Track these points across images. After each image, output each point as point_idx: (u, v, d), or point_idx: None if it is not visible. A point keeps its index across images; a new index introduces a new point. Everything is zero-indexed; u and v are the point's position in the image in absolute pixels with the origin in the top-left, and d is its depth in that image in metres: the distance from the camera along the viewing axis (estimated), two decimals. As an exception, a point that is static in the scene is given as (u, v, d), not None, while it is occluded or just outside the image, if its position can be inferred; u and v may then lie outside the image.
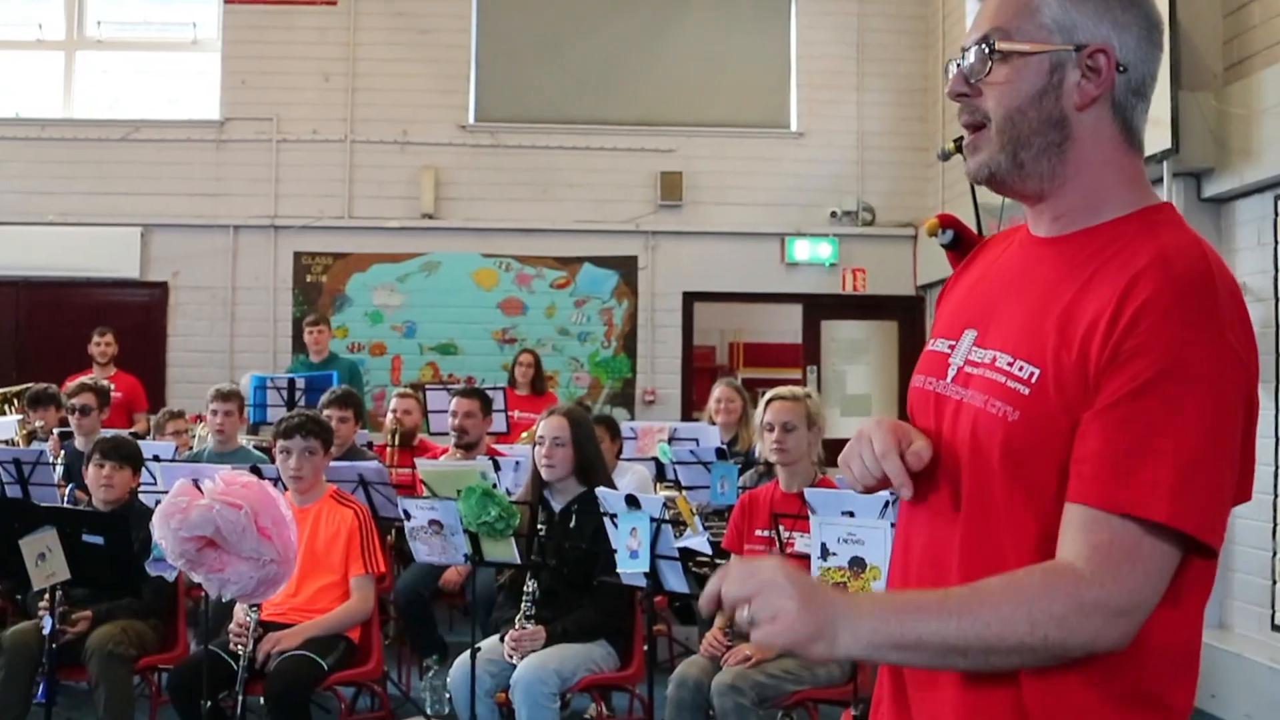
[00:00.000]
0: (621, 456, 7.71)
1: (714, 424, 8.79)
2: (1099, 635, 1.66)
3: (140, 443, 7.72)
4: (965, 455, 1.84)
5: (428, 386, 10.52)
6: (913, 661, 1.75)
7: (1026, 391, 1.77)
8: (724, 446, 7.79)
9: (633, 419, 12.44)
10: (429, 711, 6.76)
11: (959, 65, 1.90)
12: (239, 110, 12.98)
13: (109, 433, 7.55)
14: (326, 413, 7.55)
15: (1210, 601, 5.97)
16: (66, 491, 7.33)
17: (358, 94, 13.01)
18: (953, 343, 1.95)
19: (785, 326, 14.54)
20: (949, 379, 1.92)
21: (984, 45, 1.85)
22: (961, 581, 1.78)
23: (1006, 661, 1.69)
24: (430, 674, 7.08)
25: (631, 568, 4.66)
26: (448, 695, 5.82)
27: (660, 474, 7.87)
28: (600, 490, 5.03)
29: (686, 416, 12.58)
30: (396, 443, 8.82)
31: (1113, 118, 1.85)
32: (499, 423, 9.37)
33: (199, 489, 4.52)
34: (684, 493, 7.29)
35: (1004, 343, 1.84)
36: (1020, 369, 1.79)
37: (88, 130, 12.90)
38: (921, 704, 1.87)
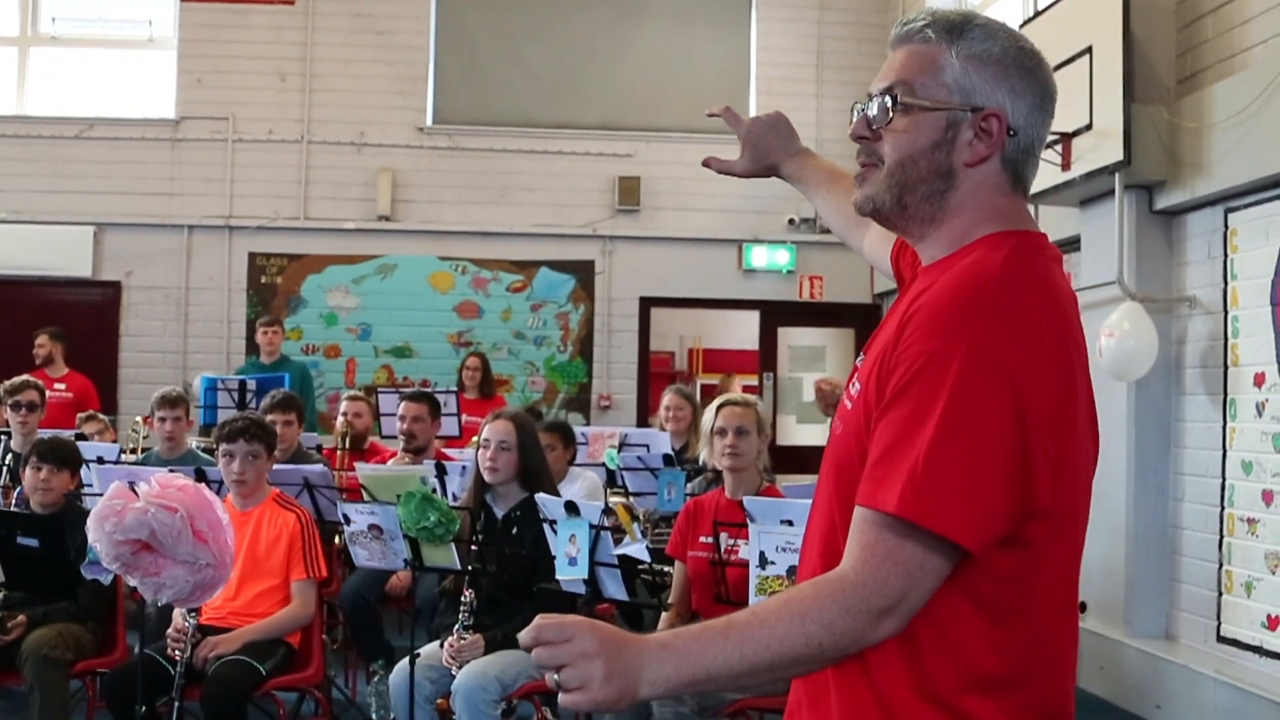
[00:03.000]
0: (574, 463, 7.67)
1: (664, 430, 8.76)
2: (865, 633, 1.78)
3: (84, 444, 7.66)
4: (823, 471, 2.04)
5: (380, 390, 10.46)
6: (713, 690, 1.88)
7: (850, 406, 1.95)
8: (673, 453, 7.76)
9: (588, 424, 12.43)
10: (374, 717, 6.71)
11: (863, 110, 2.03)
12: (194, 109, 12.89)
13: (47, 433, 7.44)
14: (270, 417, 7.47)
15: (1156, 613, 5.99)
16: (15, 495, 7.23)
17: (314, 94, 12.94)
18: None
19: (744, 333, 14.56)
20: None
21: (887, 96, 1.98)
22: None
23: (794, 673, 1.86)
24: (376, 679, 7.03)
25: (570, 574, 4.63)
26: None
27: (611, 480, 7.83)
28: (540, 496, 5.00)
29: (642, 422, 12.57)
30: (347, 446, 8.77)
31: (1001, 169, 1.98)
32: (450, 426, 9.34)
33: (134, 492, 4.47)
34: (631, 498, 7.28)
35: (860, 368, 1.99)
36: (853, 388, 1.96)
37: (41, 127, 12.78)
38: (815, 707, 1.96)
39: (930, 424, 1.75)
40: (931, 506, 1.73)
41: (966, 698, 1.80)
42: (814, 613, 1.76)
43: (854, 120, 2.05)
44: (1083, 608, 7.85)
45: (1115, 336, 7.29)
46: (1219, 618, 7.12)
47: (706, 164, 2.77)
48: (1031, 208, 8.35)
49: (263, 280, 12.97)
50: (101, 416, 9.33)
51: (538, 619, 1.77)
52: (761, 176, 2.74)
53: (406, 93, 13.07)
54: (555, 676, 1.75)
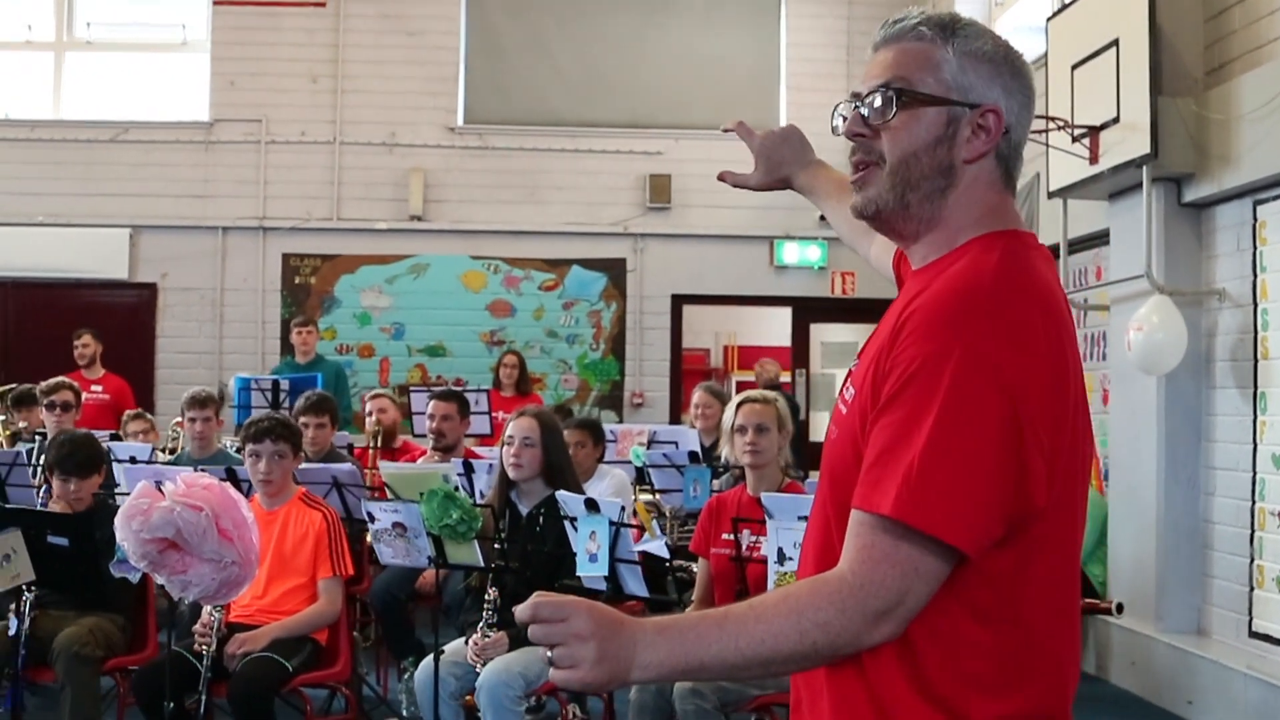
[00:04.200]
0: (603, 460, 7.70)
1: (694, 428, 8.79)
2: (861, 635, 1.79)
3: (118, 444, 7.74)
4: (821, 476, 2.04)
5: (412, 388, 10.51)
6: (703, 679, 1.89)
7: (844, 411, 1.95)
8: (699, 450, 7.78)
9: (621, 421, 12.44)
10: (404, 713, 6.75)
11: (858, 107, 2.02)
12: (227, 112, 12.99)
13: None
14: (303, 419, 7.53)
15: (1187, 608, 5.97)
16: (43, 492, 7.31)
17: (346, 95, 13.03)
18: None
19: (779, 330, 14.55)
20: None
21: (888, 91, 1.97)
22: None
23: (787, 669, 1.85)
24: (406, 676, 7.07)
25: (591, 571, 4.65)
26: (421, 698, 5.82)
27: (641, 478, 7.86)
28: (561, 493, 5.02)
29: (675, 419, 12.58)
30: (378, 444, 8.82)
31: (995, 166, 2.00)
32: (482, 425, 9.38)
33: (160, 491, 4.52)
34: (658, 495, 7.31)
35: (854, 372, 2.00)
36: (848, 392, 1.96)
37: (77, 131, 12.91)
38: (813, 706, 1.97)
39: (926, 426, 1.75)
40: (927, 509, 1.74)
41: (962, 700, 1.81)
42: (810, 611, 1.77)
43: (842, 120, 2.05)
44: (1119, 608, 7.82)
45: (1144, 330, 7.26)
46: (1250, 613, 7.08)
47: (722, 178, 2.79)
48: (1059, 202, 8.42)
49: (296, 281, 13.06)
50: (148, 416, 9.41)
51: (534, 596, 1.79)
52: (775, 189, 2.75)
53: (437, 93, 13.14)
54: (549, 654, 1.77)
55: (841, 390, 2.01)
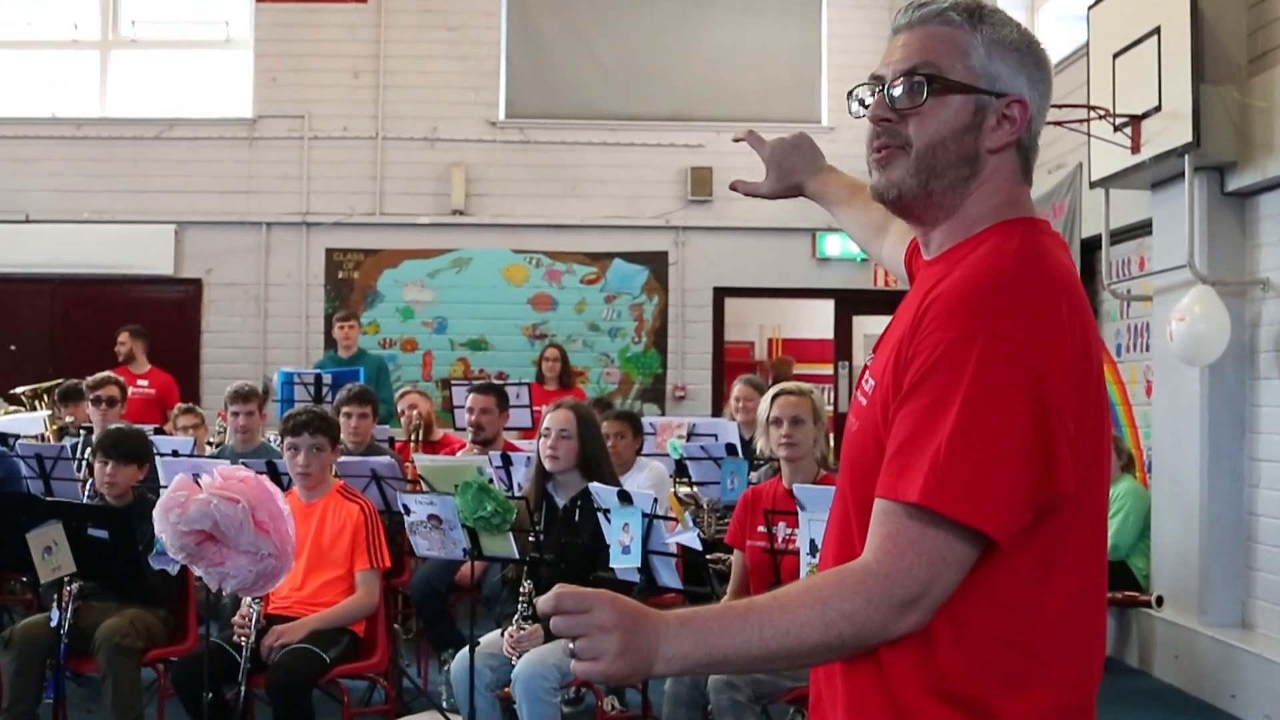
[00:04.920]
0: (642, 452, 7.70)
1: (734, 420, 8.77)
2: (888, 625, 1.76)
3: (161, 438, 7.82)
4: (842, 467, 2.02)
5: (453, 382, 10.55)
6: (727, 672, 1.86)
7: (865, 403, 1.93)
8: (737, 443, 7.76)
9: (663, 414, 12.44)
10: (444, 705, 6.79)
11: (882, 91, 1.97)
12: (270, 108, 13.09)
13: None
14: (345, 409, 7.58)
15: (1231, 601, 5.91)
16: (88, 486, 7.40)
17: (387, 91, 13.09)
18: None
19: (823, 322, 14.52)
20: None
21: (917, 76, 1.93)
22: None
23: (812, 661, 1.85)
24: (446, 668, 7.11)
25: (624, 563, 4.66)
26: (460, 689, 5.84)
27: (681, 470, 7.85)
28: (594, 485, 5.03)
29: (717, 412, 12.55)
30: (419, 437, 8.86)
31: (1016, 156, 1.98)
32: (523, 418, 9.40)
33: (197, 484, 4.56)
34: (695, 488, 7.30)
35: (873, 363, 1.98)
36: (868, 383, 1.94)
37: (122, 129, 13.05)
38: (832, 704, 1.95)
39: (951, 413, 1.73)
40: (955, 495, 1.72)
41: (983, 695, 1.79)
42: (835, 601, 1.75)
43: (863, 103, 2.01)
44: (1159, 601, 7.76)
45: (1186, 321, 7.19)
46: (1295, 605, 7.01)
47: (734, 187, 2.77)
48: (1102, 192, 8.35)
49: (340, 275, 13.14)
50: (198, 410, 9.49)
51: (557, 587, 1.78)
52: (787, 197, 2.74)
53: (478, 87, 13.18)
54: (571, 645, 1.76)
55: (860, 382, 1.99)
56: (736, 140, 2.78)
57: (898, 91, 1.95)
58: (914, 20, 1.98)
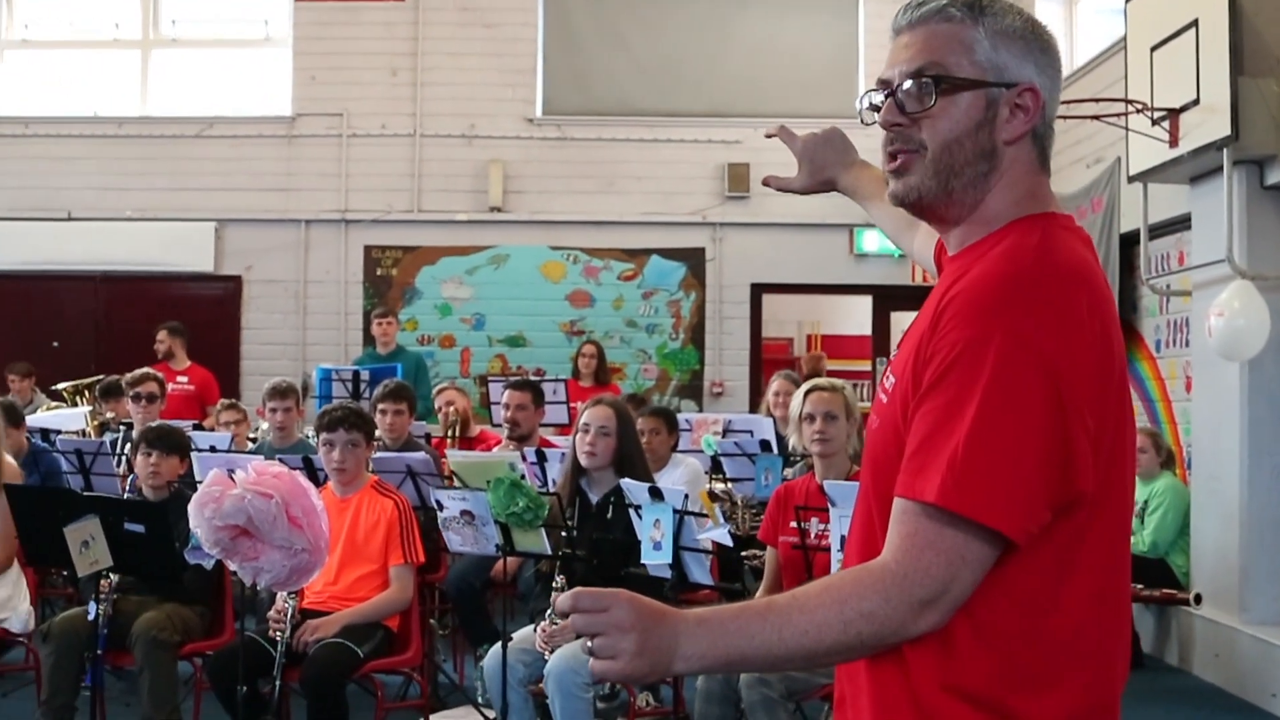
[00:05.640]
0: (677, 449, 7.70)
1: (771, 417, 8.75)
2: (906, 624, 1.76)
3: (200, 434, 7.89)
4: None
5: (490, 379, 10.58)
6: (746, 671, 1.86)
7: (885, 400, 1.93)
8: (772, 439, 7.75)
9: (701, 411, 12.43)
10: (479, 700, 6.81)
11: (891, 96, 1.96)
12: (309, 106, 13.14)
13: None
14: (381, 406, 7.62)
15: (1271, 599, 5.83)
16: (129, 481, 7.46)
17: (425, 88, 13.12)
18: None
19: (863, 319, 14.47)
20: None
21: (924, 78, 1.92)
22: None
23: (831, 660, 1.85)
24: (482, 663, 7.12)
25: (655, 559, 4.66)
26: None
27: (716, 467, 7.85)
28: (625, 481, 5.04)
29: (754, 409, 12.51)
30: (456, 433, 8.89)
31: (1032, 146, 1.96)
32: (559, 414, 9.42)
33: (232, 479, 4.60)
34: (730, 484, 7.29)
35: (895, 360, 1.98)
36: (888, 381, 1.94)
37: (163, 127, 13.14)
38: (855, 703, 1.95)
39: (969, 412, 1.73)
40: (973, 495, 1.72)
41: (1003, 694, 1.78)
42: (854, 600, 1.76)
43: (871, 108, 2.00)
44: (1197, 599, 7.69)
45: (1225, 316, 7.13)
46: (1336, 603, 6.95)
47: (766, 183, 2.78)
48: (1140, 186, 8.29)
49: (378, 272, 13.19)
50: (241, 407, 9.56)
51: (575, 589, 1.80)
52: (820, 192, 2.73)
53: (515, 84, 13.19)
54: (589, 644, 1.77)
55: (882, 379, 1.99)
56: (769, 136, 2.77)
57: (906, 95, 1.93)
58: (914, 20, 1.97)
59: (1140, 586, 7.44)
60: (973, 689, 1.79)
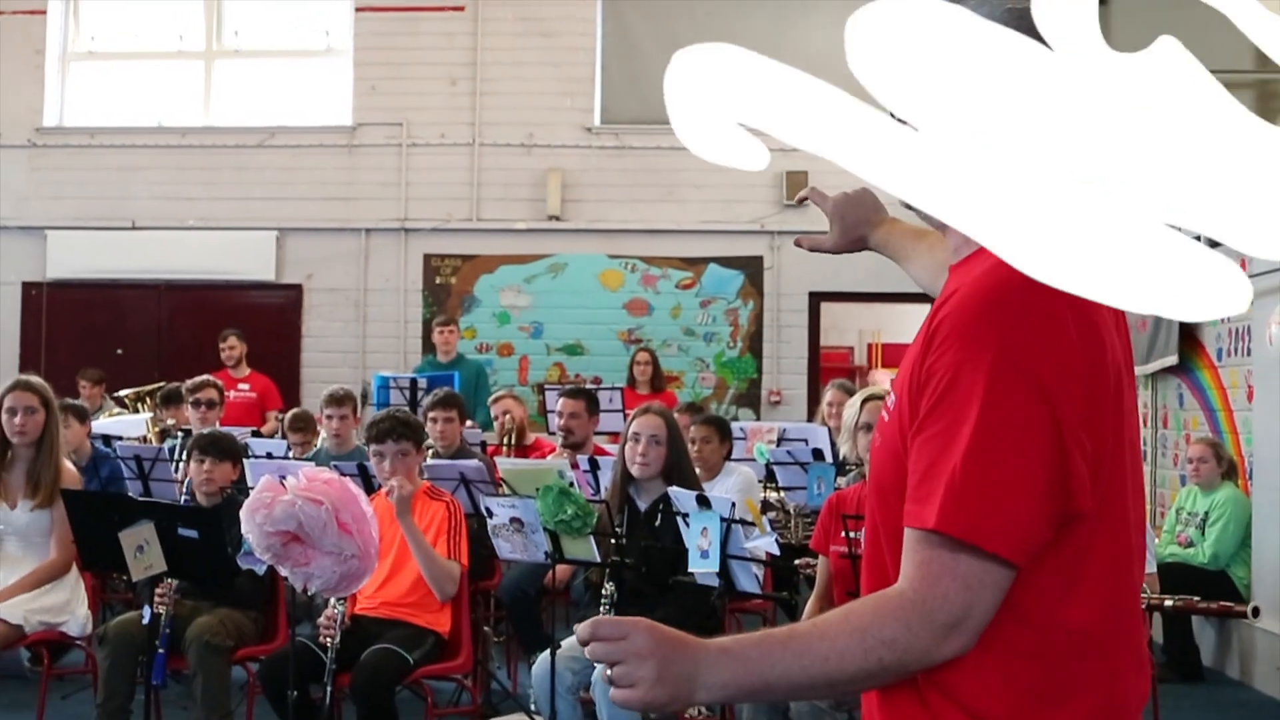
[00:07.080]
0: (730, 457, 7.69)
1: (826, 426, 8.71)
2: (930, 651, 1.75)
3: (259, 440, 7.97)
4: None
5: (546, 387, 10.61)
6: (769, 699, 1.83)
7: (886, 418, 1.91)
8: (825, 448, 7.71)
9: (758, 419, 12.41)
10: (532, 707, 6.82)
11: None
12: (369, 115, 13.26)
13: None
14: (432, 414, 7.66)
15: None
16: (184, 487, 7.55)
17: (484, 98, 13.20)
18: None
19: (923, 327, 14.38)
20: None
21: None
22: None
23: (856, 687, 1.82)
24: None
25: (702, 568, 4.65)
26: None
27: (769, 475, 7.83)
28: (672, 490, 5.03)
29: (812, 417, 12.48)
30: (512, 442, 8.93)
31: None
32: (614, 422, 9.42)
33: (282, 485, 4.63)
34: (782, 493, 7.27)
35: (896, 378, 1.96)
36: (890, 399, 1.92)
37: (226, 137, 13.32)
38: (868, 707, 1.95)
39: (964, 437, 1.72)
40: (970, 520, 1.71)
41: (1013, 713, 1.78)
42: (874, 629, 1.75)
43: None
44: (1255, 612, 7.56)
45: (1286, 325, 7.04)
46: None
47: (799, 244, 2.80)
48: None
49: (437, 281, 13.27)
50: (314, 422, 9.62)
51: (595, 617, 1.81)
52: (851, 251, 2.72)
53: (574, 93, 13.25)
54: (609, 672, 1.78)
55: (885, 397, 1.99)
56: (800, 201, 2.79)
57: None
58: None
59: (1197, 599, 7.33)
60: (983, 709, 1.78)
